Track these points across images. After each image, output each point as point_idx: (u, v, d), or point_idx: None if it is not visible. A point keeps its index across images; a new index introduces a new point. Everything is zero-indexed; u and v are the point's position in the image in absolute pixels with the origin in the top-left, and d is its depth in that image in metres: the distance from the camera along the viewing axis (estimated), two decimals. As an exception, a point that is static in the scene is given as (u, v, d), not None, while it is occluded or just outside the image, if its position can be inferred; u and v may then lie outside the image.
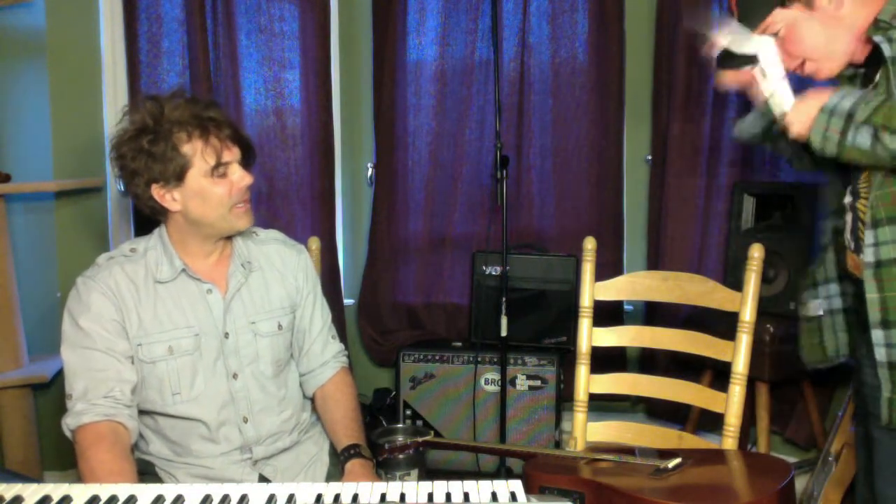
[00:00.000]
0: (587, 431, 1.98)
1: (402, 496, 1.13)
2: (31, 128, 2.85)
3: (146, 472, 1.66)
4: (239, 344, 1.65)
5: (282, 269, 1.74)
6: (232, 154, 1.59)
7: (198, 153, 1.55)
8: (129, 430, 1.54)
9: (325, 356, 1.81)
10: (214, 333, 1.63)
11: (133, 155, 1.55)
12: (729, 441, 1.81)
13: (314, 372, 1.80)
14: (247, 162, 1.64)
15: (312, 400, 1.83)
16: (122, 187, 1.68)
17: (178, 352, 1.59)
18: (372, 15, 3.30)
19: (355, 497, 1.12)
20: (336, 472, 1.77)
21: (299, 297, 1.76)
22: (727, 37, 1.55)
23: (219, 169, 1.56)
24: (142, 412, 1.62)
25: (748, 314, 1.81)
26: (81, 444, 1.50)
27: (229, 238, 1.68)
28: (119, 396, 1.53)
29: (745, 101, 2.96)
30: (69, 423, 1.52)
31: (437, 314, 3.36)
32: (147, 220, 1.68)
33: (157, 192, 1.57)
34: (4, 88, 2.84)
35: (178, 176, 1.54)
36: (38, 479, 2.19)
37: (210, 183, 1.56)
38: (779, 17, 1.51)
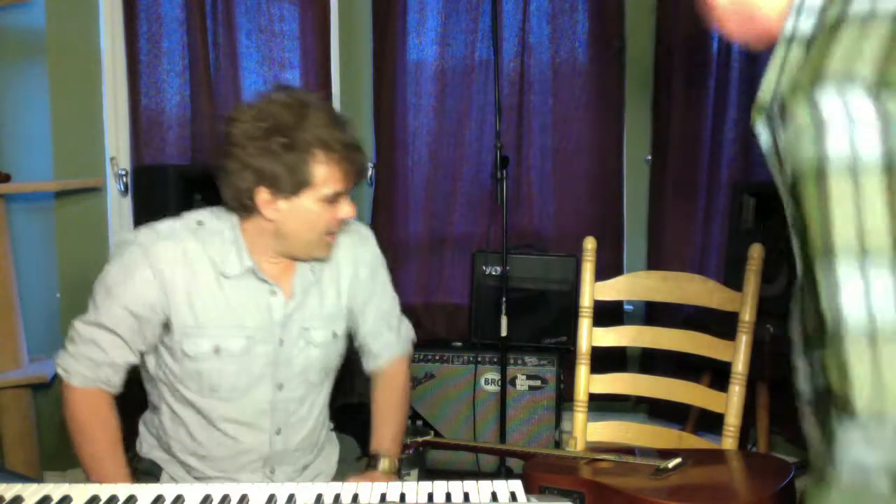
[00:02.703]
0: (587, 431, 1.98)
1: (402, 496, 1.13)
2: (31, 128, 2.85)
3: (150, 474, 1.62)
4: (291, 353, 1.56)
5: (346, 264, 1.64)
6: (349, 185, 1.49)
7: (326, 178, 1.44)
8: (113, 394, 1.53)
9: (378, 345, 1.72)
10: (269, 340, 1.53)
11: (257, 150, 1.42)
12: (729, 441, 1.81)
13: (367, 358, 1.74)
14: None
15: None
16: (215, 167, 1.49)
17: (225, 353, 1.50)
18: (372, 15, 3.30)
19: (355, 497, 1.12)
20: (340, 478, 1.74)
21: (357, 292, 1.67)
22: None
23: (334, 198, 1.47)
24: (174, 398, 1.55)
25: (748, 314, 1.81)
26: (66, 396, 1.51)
27: None
28: (112, 378, 1.51)
29: (744, 102, 2.98)
30: (60, 371, 1.51)
31: (437, 314, 3.36)
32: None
33: (262, 195, 1.45)
34: (4, 88, 2.84)
35: (294, 190, 1.44)
36: (38, 479, 2.19)
37: (319, 208, 1.47)
38: None
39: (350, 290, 1.65)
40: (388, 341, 1.74)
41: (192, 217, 1.54)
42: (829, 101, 0.97)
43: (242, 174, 1.44)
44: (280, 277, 1.55)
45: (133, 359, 1.53)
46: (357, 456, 1.82)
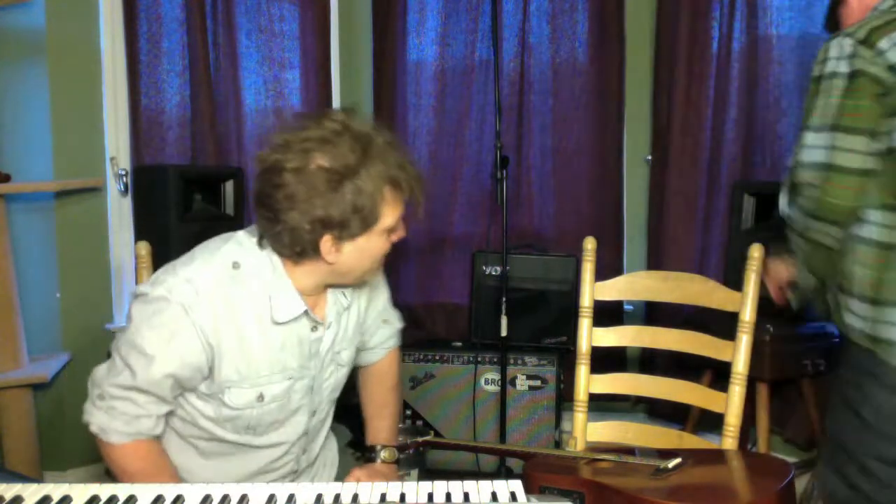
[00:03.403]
0: (587, 431, 1.97)
1: (402, 496, 1.12)
2: (31, 128, 2.85)
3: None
4: (324, 380, 1.52)
5: (368, 286, 1.59)
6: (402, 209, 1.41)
7: (391, 212, 1.37)
8: (157, 435, 1.41)
9: (374, 342, 1.69)
10: (308, 375, 1.47)
11: (324, 202, 1.29)
12: (729, 441, 1.81)
13: (361, 354, 1.69)
14: None
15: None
16: (271, 217, 1.34)
17: (268, 398, 1.42)
18: (372, 15, 3.31)
19: (355, 497, 1.12)
20: (341, 472, 1.74)
21: (370, 291, 1.62)
22: None
23: (395, 228, 1.41)
24: (194, 430, 1.45)
25: (748, 314, 1.80)
26: (107, 454, 1.39)
27: None
28: (148, 431, 1.38)
29: (744, 102, 2.98)
30: (93, 430, 1.37)
31: (437, 314, 3.36)
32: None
33: (326, 242, 1.34)
34: (4, 88, 2.84)
35: (362, 231, 1.35)
36: (38, 479, 2.19)
37: (381, 241, 1.40)
38: None
39: (370, 306, 1.62)
40: (384, 335, 1.71)
41: (225, 257, 1.39)
42: None
43: (305, 223, 1.31)
44: (315, 308, 1.46)
45: (171, 408, 1.41)
46: (347, 441, 1.83)
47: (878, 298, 1.46)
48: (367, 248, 1.38)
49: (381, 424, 1.68)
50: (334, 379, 1.55)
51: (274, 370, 1.41)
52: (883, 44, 1.41)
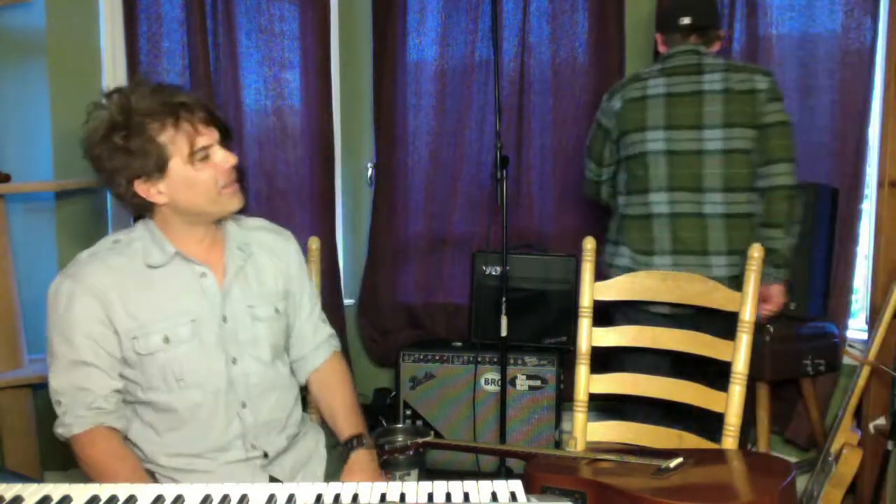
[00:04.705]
0: (587, 431, 1.98)
1: (402, 496, 1.13)
2: (31, 128, 2.85)
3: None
4: (238, 328, 1.62)
5: (275, 255, 1.72)
6: (211, 136, 1.54)
7: (175, 141, 1.50)
8: (118, 429, 1.55)
9: (317, 339, 1.78)
10: (212, 318, 1.59)
11: (108, 154, 1.49)
12: (729, 441, 1.81)
13: (306, 357, 1.77)
14: (226, 143, 1.59)
15: (306, 388, 1.81)
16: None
17: (176, 340, 1.55)
18: (372, 15, 3.31)
19: (355, 497, 1.12)
20: (333, 467, 1.76)
21: (291, 282, 1.74)
22: None
23: (199, 154, 1.52)
24: (148, 406, 1.58)
25: (748, 314, 1.81)
26: (77, 450, 1.53)
27: (219, 222, 1.65)
28: (103, 405, 1.53)
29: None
30: (61, 433, 1.54)
31: (437, 314, 3.36)
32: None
33: (140, 187, 1.52)
34: (4, 88, 2.84)
35: (159, 168, 1.50)
36: (38, 479, 2.19)
37: (194, 170, 1.52)
38: None
39: (285, 275, 1.73)
40: (327, 335, 1.81)
41: (107, 239, 1.61)
42: None
43: (116, 181, 1.52)
44: (209, 259, 1.62)
45: (117, 384, 1.55)
46: (334, 444, 1.86)
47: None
48: (188, 180, 1.52)
49: (352, 418, 1.74)
50: (252, 333, 1.64)
51: (172, 313, 1.55)
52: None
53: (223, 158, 1.55)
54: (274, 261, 1.72)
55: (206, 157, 1.53)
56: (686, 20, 2.44)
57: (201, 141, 1.52)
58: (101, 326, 1.52)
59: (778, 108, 2.31)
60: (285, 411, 1.69)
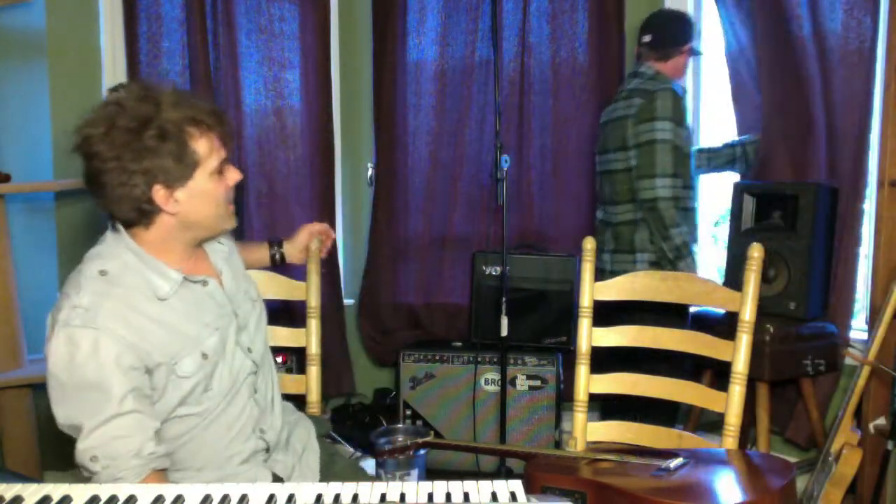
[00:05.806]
0: (587, 431, 1.98)
1: (402, 496, 1.12)
2: (31, 128, 2.85)
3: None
4: (247, 318, 1.64)
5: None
6: (227, 151, 1.52)
7: (209, 150, 1.46)
8: (165, 468, 1.43)
9: None
10: (229, 319, 1.58)
11: (134, 154, 1.39)
12: (729, 441, 1.81)
13: None
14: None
15: None
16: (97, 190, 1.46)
17: (210, 353, 1.50)
18: (372, 15, 3.31)
19: (355, 497, 1.12)
20: (327, 458, 1.77)
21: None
22: None
23: (220, 167, 1.49)
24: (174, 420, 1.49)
25: (748, 314, 1.80)
26: None
27: None
28: (154, 449, 1.39)
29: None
30: (102, 479, 1.36)
31: (437, 314, 3.36)
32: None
33: (159, 193, 1.42)
34: (4, 88, 2.84)
35: (187, 175, 1.44)
36: (38, 479, 2.19)
37: (213, 182, 1.48)
38: None
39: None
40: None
41: (88, 273, 1.45)
42: None
43: (131, 182, 1.41)
44: (201, 266, 1.59)
45: (157, 423, 1.42)
46: (326, 432, 1.88)
47: None
48: (203, 193, 1.47)
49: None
50: (254, 316, 1.67)
51: (196, 330, 1.49)
52: None
53: (233, 176, 1.54)
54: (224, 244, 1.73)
55: (222, 172, 1.51)
56: (646, 38, 2.73)
57: (222, 155, 1.50)
58: (134, 372, 1.39)
59: (646, 129, 2.59)
60: (276, 386, 1.72)
